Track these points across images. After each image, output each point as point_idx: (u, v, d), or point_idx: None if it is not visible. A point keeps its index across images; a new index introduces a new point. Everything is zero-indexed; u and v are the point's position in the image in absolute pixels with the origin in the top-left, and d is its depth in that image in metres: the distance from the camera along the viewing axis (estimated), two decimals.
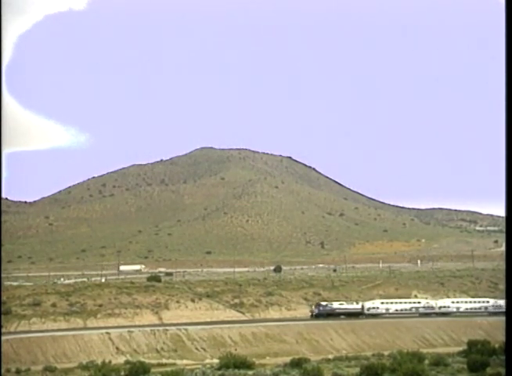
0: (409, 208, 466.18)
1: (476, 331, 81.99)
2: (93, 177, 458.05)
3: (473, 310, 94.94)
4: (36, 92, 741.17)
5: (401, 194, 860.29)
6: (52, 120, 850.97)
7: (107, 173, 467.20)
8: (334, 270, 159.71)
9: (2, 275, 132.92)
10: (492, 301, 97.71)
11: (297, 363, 50.76)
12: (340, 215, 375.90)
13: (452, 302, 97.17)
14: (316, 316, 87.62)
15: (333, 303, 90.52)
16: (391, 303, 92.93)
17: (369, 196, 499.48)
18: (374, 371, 41.78)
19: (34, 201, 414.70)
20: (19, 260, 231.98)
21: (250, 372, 45.58)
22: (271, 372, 46.29)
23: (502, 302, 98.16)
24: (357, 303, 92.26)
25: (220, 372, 45.79)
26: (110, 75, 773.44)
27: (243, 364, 48.18)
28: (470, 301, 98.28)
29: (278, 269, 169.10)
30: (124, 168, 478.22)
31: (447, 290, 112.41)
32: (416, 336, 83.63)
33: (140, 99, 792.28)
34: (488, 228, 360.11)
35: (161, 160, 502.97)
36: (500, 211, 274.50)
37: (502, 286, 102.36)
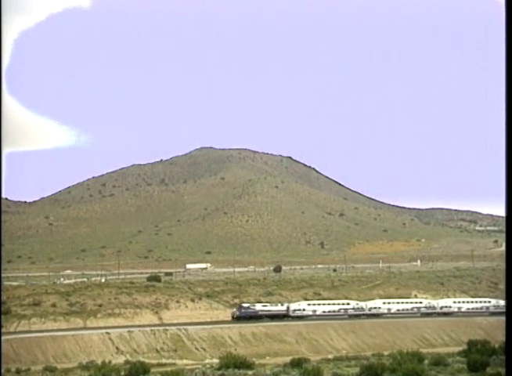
0: (409, 208, 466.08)
1: (476, 331, 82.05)
2: (93, 177, 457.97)
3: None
4: (36, 91, 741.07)
5: (401, 194, 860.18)
6: (52, 120, 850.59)
7: (107, 173, 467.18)
8: (334, 270, 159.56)
9: (2, 275, 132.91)
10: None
11: (297, 363, 50.72)
12: (340, 215, 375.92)
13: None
14: (237, 319, 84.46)
15: (256, 305, 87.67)
16: (318, 305, 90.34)
17: (369, 196, 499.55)
18: (374, 371, 41.74)
19: (34, 201, 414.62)
20: (19, 260, 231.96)
21: (250, 372, 45.56)
22: (271, 372, 46.27)
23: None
24: (282, 305, 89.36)
25: (220, 372, 45.76)
26: (110, 75, 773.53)
27: (243, 364, 48.13)
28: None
29: (278, 269, 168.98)
30: (124, 168, 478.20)
31: (447, 290, 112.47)
32: (416, 336, 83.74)
33: (140, 99, 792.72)
34: (488, 228, 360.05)
35: (161, 160, 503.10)
36: (500, 211, 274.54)
37: (502, 286, 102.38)
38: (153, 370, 50.49)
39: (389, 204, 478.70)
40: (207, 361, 67.14)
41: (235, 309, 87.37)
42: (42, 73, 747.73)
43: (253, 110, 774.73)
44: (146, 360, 61.46)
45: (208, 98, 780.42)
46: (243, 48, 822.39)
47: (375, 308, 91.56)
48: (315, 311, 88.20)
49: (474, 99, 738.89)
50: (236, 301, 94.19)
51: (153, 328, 76.80)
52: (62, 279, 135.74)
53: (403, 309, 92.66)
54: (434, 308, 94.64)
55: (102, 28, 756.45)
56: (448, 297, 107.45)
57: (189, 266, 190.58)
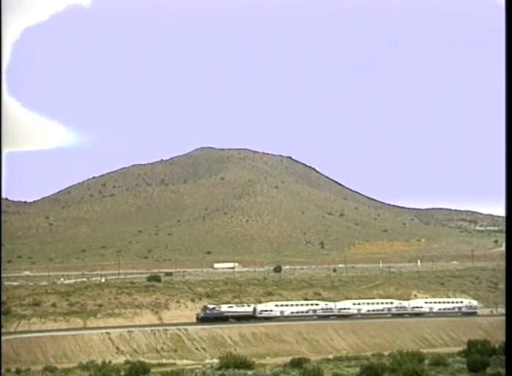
0: (409, 208, 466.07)
1: (476, 331, 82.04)
2: (93, 177, 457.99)
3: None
4: (36, 91, 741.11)
5: (401, 194, 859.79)
6: (52, 120, 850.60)
7: (107, 173, 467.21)
8: (334, 270, 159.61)
9: (2, 275, 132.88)
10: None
11: (297, 363, 50.75)
12: (340, 215, 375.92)
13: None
14: (202, 320, 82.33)
15: (222, 306, 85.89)
16: (286, 305, 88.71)
17: (369, 196, 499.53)
18: (374, 371, 41.75)
19: (34, 201, 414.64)
20: (19, 260, 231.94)
21: (250, 372, 45.57)
22: (271, 372, 46.29)
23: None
24: (248, 305, 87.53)
25: (220, 372, 45.78)
26: (111, 75, 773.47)
27: (243, 364, 48.16)
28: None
29: (278, 269, 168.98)
30: (124, 168, 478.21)
31: (447, 290, 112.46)
32: (416, 336, 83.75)
33: (140, 99, 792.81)
34: (488, 228, 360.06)
35: (161, 160, 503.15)
36: (500, 211, 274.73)
37: (502, 286, 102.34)
38: (153, 370, 50.52)
39: (389, 204, 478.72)
40: (207, 361, 67.15)
41: (200, 310, 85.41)
42: (42, 73, 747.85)
43: (253, 110, 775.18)
44: (146, 360, 61.49)
45: (208, 98, 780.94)
46: (244, 48, 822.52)
47: (344, 309, 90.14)
48: (282, 312, 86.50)
49: (474, 99, 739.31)
50: (237, 301, 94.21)
51: (153, 328, 76.81)
52: (62, 279, 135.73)
53: (374, 310, 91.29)
54: (405, 308, 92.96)
55: (102, 28, 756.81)
56: (449, 297, 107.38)
57: (216, 266, 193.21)
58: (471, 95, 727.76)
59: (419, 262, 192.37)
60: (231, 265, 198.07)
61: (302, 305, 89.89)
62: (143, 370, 48.14)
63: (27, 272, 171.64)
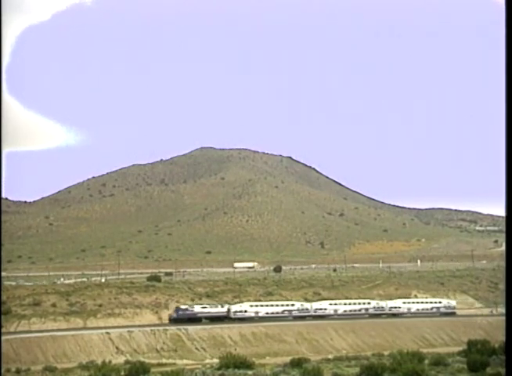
0: (409, 208, 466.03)
1: (476, 331, 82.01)
2: (93, 177, 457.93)
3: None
4: (36, 91, 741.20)
5: (401, 194, 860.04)
6: (52, 120, 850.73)
7: (107, 173, 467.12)
8: (334, 270, 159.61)
9: (2, 275, 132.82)
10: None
11: (297, 363, 50.75)
12: (340, 214, 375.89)
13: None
14: (175, 321, 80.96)
15: (195, 307, 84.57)
16: (261, 306, 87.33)
17: (369, 196, 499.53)
18: (374, 371, 41.74)
19: (34, 201, 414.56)
20: (19, 260, 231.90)
21: (250, 372, 45.56)
22: (271, 372, 46.28)
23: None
24: (222, 306, 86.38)
25: (220, 372, 45.77)
26: (111, 75, 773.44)
27: (243, 364, 48.15)
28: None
29: (278, 269, 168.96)
30: (124, 168, 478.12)
31: (447, 290, 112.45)
32: (416, 336, 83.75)
33: (141, 99, 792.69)
34: (488, 228, 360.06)
35: (161, 160, 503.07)
36: (500, 211, 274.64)
37: (502, 286, 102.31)
38: (153, 370, 50.49)
39: (389, 204, 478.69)
40: (207, 361, 67.17)
41: (172, 311, 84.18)
42: (42, 72, 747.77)
43: (253, 110, 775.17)
44: (146, 360, 61.46)
45: (208, 98, 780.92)
46: (244, 48, 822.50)
47: (321, 309, 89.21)
48: (257, 313, 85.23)
49: (474, 99, 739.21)
50: (237, 301, 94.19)
51: (153, 328, 76.79)
52: (62, 279, 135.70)
53: (351, 311, 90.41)
54: (382, 309, 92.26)
55: (102, 27, 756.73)
56: (449, 297, 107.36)
57: (236, 265, 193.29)
58: (471, 95, 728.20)
59: (419, 262, 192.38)
60: (250, 264, 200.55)
61: (278, 305, 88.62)
62: (143, 370, 48.12)
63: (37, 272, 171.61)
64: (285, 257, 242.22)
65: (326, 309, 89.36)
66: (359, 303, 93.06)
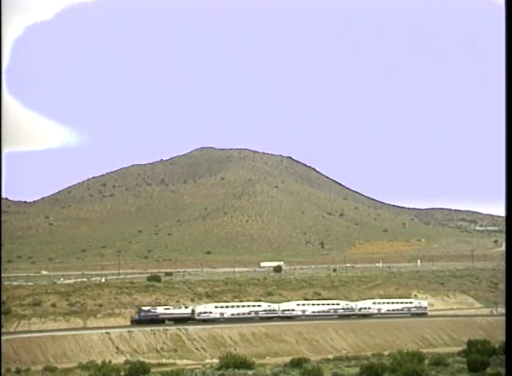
0: (409, 208, 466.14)
1: (476, 331, 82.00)
2: (93, 177, 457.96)
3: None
4: (36, 91, 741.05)
5: (401, 194, 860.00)
6: (52, 120, 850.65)
7: (107, 173, 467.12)
8: (334, 270, 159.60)
9: (2, 275, 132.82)
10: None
11: (297, 363, 50.77)
12: (340, 214, 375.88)
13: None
14: (137, 323, 79.53)
15: (158, 308, 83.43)
16: (226, 307, 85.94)
17: (369, 196, 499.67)
18: (374, 371, 41.75)
19: (34, 201, 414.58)
20: (19, 260, 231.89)
21: (250, 372, 45.57)
22: (271, 372, 46.29)
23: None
24: (186, 307, 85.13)
25: (220, 372, 45.79)
26: (111, 75, 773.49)
27: (243, 364, 48.16)
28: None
29: (278, 269, 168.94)
30: (124, 168, 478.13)
31: (447, 290, 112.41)
32: (416, 336, 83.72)
33: (140, 99, 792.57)
34: (488, 228, 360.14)
35: (161, 160, 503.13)
36: (500, 211, 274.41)
37: (502, 286, 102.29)
38: (153, 370, 50.49)
39: (389, 204, 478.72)
40: (207, 361, 67.15)
41: (134, 313, 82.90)
42: (42, 72, 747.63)
43: (253, 110, 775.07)
44: (146, 360, 61.47)
45: (208, 98, 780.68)
46: (244, 48, 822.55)
47: (288, 310, 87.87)
48: (222, 314, 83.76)
49: (474, 99, 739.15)
50: (237, 301, 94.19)
51: (153, 328, 76.77)
52: (62, 279, 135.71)
53: (319, 311, 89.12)
54: (352, 309, 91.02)
55: (102, 27, 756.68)
56: (448, 297, 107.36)
57: (263, 264, 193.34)
58: (471, 95, 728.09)
59: (419, 262, 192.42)
60: (276, 263, 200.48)
61: (244, 306, 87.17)
62: (143, 370, 48.13)
63: (43, 272, 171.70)
64: (285, 257, 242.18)
65: (293, 310, 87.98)
66: (328, 304, 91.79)
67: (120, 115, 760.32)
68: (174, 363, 65.65)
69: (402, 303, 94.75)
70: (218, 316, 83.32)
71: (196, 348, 74.23)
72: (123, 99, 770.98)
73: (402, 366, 41.14)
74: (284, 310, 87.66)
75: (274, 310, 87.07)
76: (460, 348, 58.78)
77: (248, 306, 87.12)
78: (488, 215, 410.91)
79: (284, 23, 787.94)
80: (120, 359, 65.69)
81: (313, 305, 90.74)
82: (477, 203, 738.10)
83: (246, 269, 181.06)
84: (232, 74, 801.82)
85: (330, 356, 66.11)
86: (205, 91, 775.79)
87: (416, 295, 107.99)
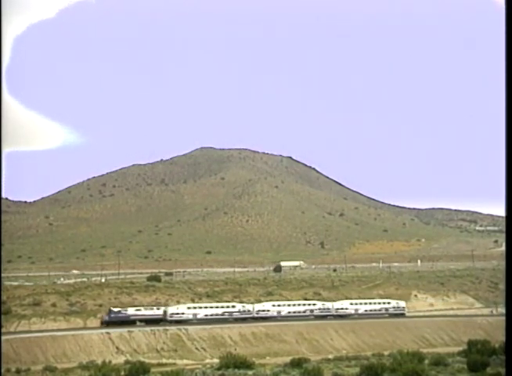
0: (409, 208, 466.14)
1: (476, 331, 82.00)
2: (93, 177, 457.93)
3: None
4: (36, 91, 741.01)
5: (401, 194, 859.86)
6: (52, 120, 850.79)
7: (107, 173, 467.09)
8: (334, 270, 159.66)
9: (2, 275, 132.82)
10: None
11: (297, 363, 50.81)
12: (340, 214, 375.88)
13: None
14: (107, 324, 78.22)
15: (128, 309, 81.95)
16: (200, 308, 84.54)
17: (369, 196, 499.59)
18: (374, 371, 41.78)
19: (34, 201, 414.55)
20: (19, 260, 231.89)
21: (250, 372, 45.61)
22: (271, 372, 46.33)
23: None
24: (158, 308, 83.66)
25: (220, 372, 45.83)
26: (111, 75, 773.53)
27: (243, 364, 48.20)
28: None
29: (278, 269, 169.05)
30: (124, 168, 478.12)
31: (447, 290, 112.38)
32: (416, 336, 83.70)
33: (140, 99, 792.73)
34: (488, 228, 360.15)
35: (161, 160, 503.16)
36: (500, 211, 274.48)
37: (502, 286, 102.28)
38: (153, 370, 50.53)
39: (389, 204, 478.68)
40: (207, 361, 67.14)
41: (104, 314, 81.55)
42: (43, 72, 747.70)
43: (253, 110, 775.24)
44: (146, 360, 61.48)
45: (208, 98, 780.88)
46: (244, 48, 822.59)
47: (263, 311, 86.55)
48: (195, 315, 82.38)
49: (474, 99, 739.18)
50: (237, 301, 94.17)
51: (153, 328, 76.77)
52: (62, 279, 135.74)
53: (294, 312, 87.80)
54: (328, 310, 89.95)
55: (103, 27, 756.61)
56: (448, 297, 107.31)
57: (283, 264, 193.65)
58: (471, 95, 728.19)
59: (419, 262, 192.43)
60: (296, 263, 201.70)
61: (217, 307, 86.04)
62: (143, 370, 48.17)
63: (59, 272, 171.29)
64: (285, 257, 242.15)
65: (268, 311, 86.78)
66: (304, 304, 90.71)
67: (121, 115, 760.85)
68: (174, 363, 65.66)
69: (379, 303, 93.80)
70: (190, 317, 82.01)
71: (196, 348, 74.21)
72: (123, 99, 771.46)
73: (402, 366, 41.17)
74: (259, 311, 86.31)
75: (249, 311, 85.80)
76: (460, 348, 58.81)
77: (222, 307, 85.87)
78: (488, 215, 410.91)
79: (284, 22, 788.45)
80: (121, 359, 65.69)
81: (289, 305, 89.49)
82: (477, 203, 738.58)
83: (246, 269, 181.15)
84: (232, 73, 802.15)
85: (330, 356, 66.11)
86: (205, 91, 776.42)
87: (416, 295, 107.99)
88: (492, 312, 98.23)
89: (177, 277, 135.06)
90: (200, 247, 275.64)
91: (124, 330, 74.70)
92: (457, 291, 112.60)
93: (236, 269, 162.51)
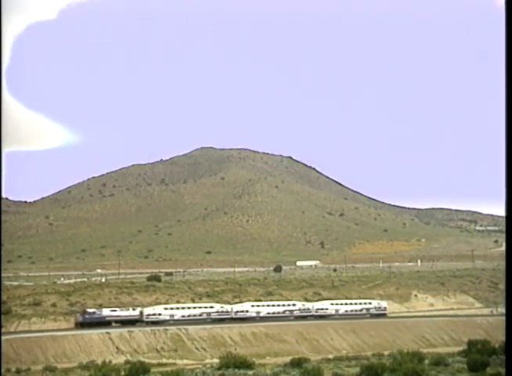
0: (409, 208, 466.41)
1: (476, 331, 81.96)
2: (93, 177, 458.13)
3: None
4: (36, 91, 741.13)
5: (401, 194, 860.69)
6: (52, 119, 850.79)
7: (107, 173, 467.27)
8: (334, 270, 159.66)
9: (2, 274, 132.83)
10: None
11: (297, 363, 50.78)
12: (340, 214, 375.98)
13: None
14: (81, 325, 76.61)
15: (103, 310, 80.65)
16: (177, 309, 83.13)
17: (369, 196, 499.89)
18: (374, 371, 41.76)
19: (34, 201, 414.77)
20: (19, 260, 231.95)
21: (250, 372, 45.58)
22: (271, 372, 46.31)
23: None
24: (134, 309, 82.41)
25: (220, 372, 45.80)
26: (111, 75, 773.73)
27: (243, 364, 48.17)
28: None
29: (278, 269, 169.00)
30: (124, 168, 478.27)
31: (447, 290, 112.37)
32: (416, 336, 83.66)
33: (140, 99, 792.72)
34: (488, 228, 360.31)
35: (161, 160, 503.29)
36: (500, 211, 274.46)
37: (502, 286, 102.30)
38: (153, 370, 50.46)
39: (389, 204, 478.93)
40: (208, 361, 67.08)
41: (78, 315, 79.78)
42: (42, 72, 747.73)
43: (253, 110, 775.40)
44: (146, 360, 61.43)
45: (208, 98, 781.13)
46: (244, 48, 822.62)
47: (242, 311, 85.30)
48: (172, 315, 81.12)
49: (474, 99, 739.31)
50: (237, 300, 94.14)
51: (153, 328, 76.75)
52: (62, 279, 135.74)
53: (274, 313, 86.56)
54: (308, 310, 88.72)
55: (102, 27, 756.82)
56: (449, 297, 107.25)
57: (299, 263, 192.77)
58: (471, 95, 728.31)
59: (419, 261, 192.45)
60: (313, 263, 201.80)
61: (195, 307, 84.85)
62: (143, 370, 48.12)
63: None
64: (285, 257, 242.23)
65: (247, 312, 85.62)
66: (284, 305, 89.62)
67: (121, 115, 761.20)
68: (175, 363, 65.61)
69: (360, 304, 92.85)
70: (167, 317, 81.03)
71: (197, 348, 74.19)
72: (123, 98, 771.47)
73: (402, 366, 41.16)
74: (238, 311, 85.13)
75: (227, 311, 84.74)
76: (460, 348, 58.76)
77: (200, 308, 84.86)
78: (488, 214, 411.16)
79: (284, 22, 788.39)
80: (121, 359, 65.65)
81: (267, 306, 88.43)
82: (477, 203, 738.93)
83: (246, 269, 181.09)
84: (232, 73, 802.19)
85: (330, 356, 66.04)
86: (205, 91, 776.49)
87: (416, 295, 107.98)
88: (492, 312, 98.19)
89: (177, 277, 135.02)
90: (200, 247, 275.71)
91: (124, 330, 74.70)
92: (457, 290, 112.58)
93: (236, 269, 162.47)
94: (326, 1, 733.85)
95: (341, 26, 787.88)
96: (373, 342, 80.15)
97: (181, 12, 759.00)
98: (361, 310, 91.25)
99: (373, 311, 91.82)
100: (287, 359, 56.49)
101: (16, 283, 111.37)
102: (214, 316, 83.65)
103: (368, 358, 57.41)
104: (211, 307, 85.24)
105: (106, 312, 79.90)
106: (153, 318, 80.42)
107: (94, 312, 79.14)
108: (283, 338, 78.89)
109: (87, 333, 73.11)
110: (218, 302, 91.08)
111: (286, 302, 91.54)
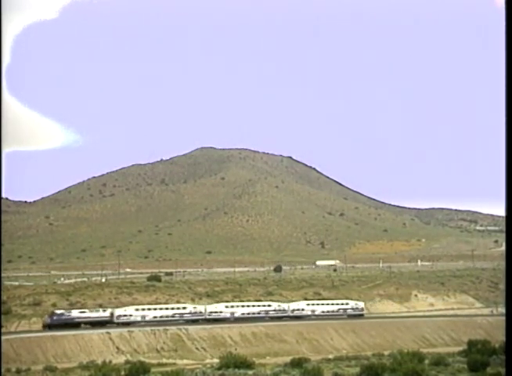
0: (409, 208, 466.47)
1: (476, 331, 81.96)
2: (93, 177, 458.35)
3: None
4: (37, 91, 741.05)
5: (401, 194, 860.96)
6: (52, 119, 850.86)
7: (107, 173, 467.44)
8: (334, 270, 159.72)
9: (2, 274, 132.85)
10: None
11: (297, 363, 50.74)
12: (340, 214, 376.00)
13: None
14: (49, 327, 74.89)
15: (72, 311, 79.11)
16: (148, 309, 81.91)
17: (369, 196, 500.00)
18: (374, 371, 41.74)
19: (34, 201, 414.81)
20: (19, 260, 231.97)
21: (251, 372, 45.56)
22: (271, 372, 46.29)
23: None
24: (104, 310, 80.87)
25: (220, 372, 45.78)
26: (111, 75, 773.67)
27: (243, 364, 48.14)
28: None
29: (278, 269, 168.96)
30: (124, 168, 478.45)
31: (447, 290, 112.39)
32: (416, 336, 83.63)
33: (141, 99, 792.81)
34: (489, 228, 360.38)
35: (161, 160, 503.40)
36: (500, 210, 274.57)
37: (502, 286, 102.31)
38: (153, 370, 50.42)
39: (389, 204, 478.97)
40: (208, 361, 67.05)
41: (46, 316, 78.09)
42: (43, 72, 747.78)
43: (253, 110, 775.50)
44: (147, 360, 61.38)
45: (208, 98, 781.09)
46: (244, 48, 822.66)
47: (215, 312, 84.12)
48: (144, 317, 79.77)
49: (475, 99, 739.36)
50: (237, 300, 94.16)
51: (153, 328, 76.74)
52: (62, 279, 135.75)
53: (249, 313, 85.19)
54: (284, 311, 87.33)
55: (102, 27, 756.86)
56: (449, 297, 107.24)
57: (318, 263, 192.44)
58: (471, 95, 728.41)
59: (419, 261, 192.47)
60: (332, 262, 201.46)
61: (167, 308, 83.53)
62: (143, 369, 48.09)
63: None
64: (285, 257, 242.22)
65: (221, 312, 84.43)
66: (258, 305, 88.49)
67: (121, 115, 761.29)
68: (175, 363, 65.58)
69: (337, 304, 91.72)
70: (138, 319, 79.77)
71: (197, 348, 74.17)
72: (123, 99, 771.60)
73: (402, 366, 41.15)
74: (211, 312, 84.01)
75: (200, 312, 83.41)
76: (460, 348, 58.74)
77: (172, 308, 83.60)
78: (488, 214, 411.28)
79: (284, 22, 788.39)
80: (121, 359, 65.62)
81: (243, 306, 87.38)
82: (478, 203, 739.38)
83: (246, 268, 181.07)
84: (233, 73, 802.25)
85: (331, 356, 66.00)
86: (205, 91, 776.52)
87: (416, 295, 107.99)
88: (492, 312, 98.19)
89: (177, 277, 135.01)
90: (200, 247, 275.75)
91: (124, 330, 74.70)
92: (457, 290, 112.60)
93: (236, 269, 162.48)
94: (326, 1, 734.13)
95: (341, 26, 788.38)
96: (373, 342, 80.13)
97: (181, 13, 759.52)
98: (338, 311, 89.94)
99: (350, 311, 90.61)
100: (287, 359, 56.44)
101: (16, 283, 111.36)
102: (186, 317, 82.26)
103: (368, 358, 57.38)
104: (184, 308, 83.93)
105: (75, 313, 78.28)
106: (123, 319, 78.92)
107: (62, 314, 77.33)
108: (283, 338, 78.88)
109: (87, 333, 73.11)
110: (218, 302, 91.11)
111: (262, 303, 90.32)
